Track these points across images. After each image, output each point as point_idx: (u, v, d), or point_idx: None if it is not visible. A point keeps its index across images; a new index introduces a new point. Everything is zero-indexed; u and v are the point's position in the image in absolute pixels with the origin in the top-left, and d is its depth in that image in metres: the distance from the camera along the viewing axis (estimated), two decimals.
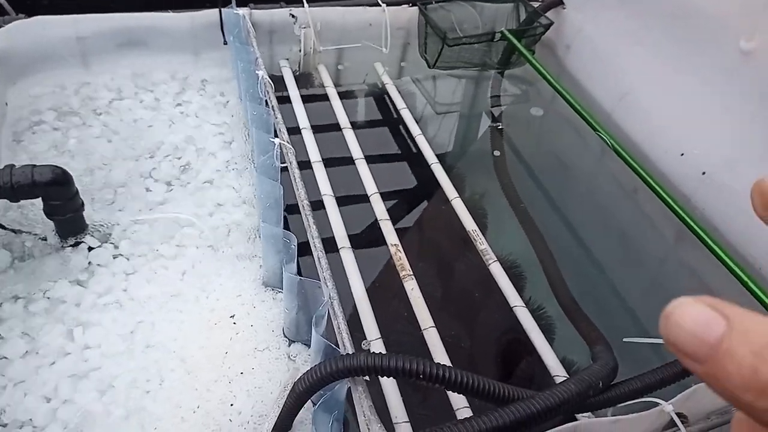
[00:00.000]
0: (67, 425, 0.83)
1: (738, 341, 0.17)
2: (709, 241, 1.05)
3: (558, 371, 0.93)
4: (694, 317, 0.18)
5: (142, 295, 1.01)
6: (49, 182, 0.97)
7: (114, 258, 1.06)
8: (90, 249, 1.07)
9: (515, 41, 1.54)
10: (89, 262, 1.05)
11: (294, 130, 1.27)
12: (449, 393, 0.86)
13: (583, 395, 0.70)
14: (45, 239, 1.06)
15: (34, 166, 0.97)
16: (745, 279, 0.98)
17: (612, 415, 0.73)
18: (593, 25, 1.58)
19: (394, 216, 1.20)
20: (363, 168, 1.27)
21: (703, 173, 1.21)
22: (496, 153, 1.49)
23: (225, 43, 1.51)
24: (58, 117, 1.32)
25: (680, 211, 1.11)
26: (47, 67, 1.39)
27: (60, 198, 1.01)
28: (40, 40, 1.36)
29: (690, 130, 1.27)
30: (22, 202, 1.06)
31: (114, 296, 1.00)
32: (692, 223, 1.08)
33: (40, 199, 1.00)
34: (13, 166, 0.97)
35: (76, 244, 1.06)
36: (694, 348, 0.18)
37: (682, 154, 1.27)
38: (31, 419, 0.83)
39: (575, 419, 0.77)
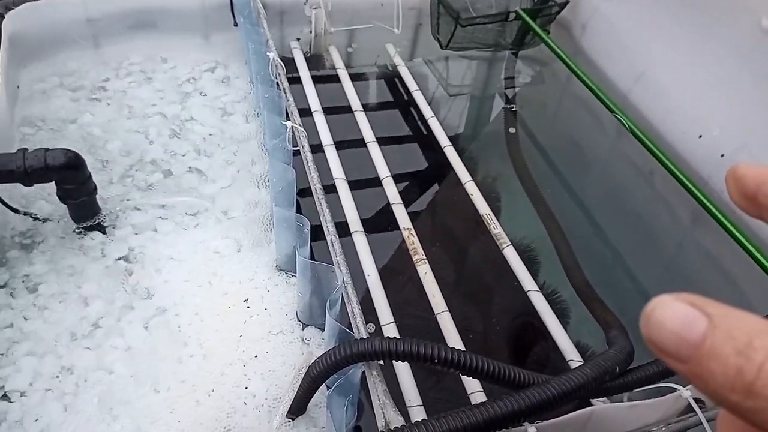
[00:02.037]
0: (87, 407, 0.84)
1: (721, 340, 0.17)
2: (728, 224, 1.03)
3: (573, 356, 0.92)
4: (675, 315, 0.18)
5: (156, 279, 1.01)
6: (62, 166, 0.97)
7: (127, 242, 1.06)
8: (103, 233, 1.07)
9: (530, 21, 1.51)
10: (102, 247, 1.05)
11: (305, 113, 1.26)
12: (463, 377, 0.85)
13: (599, 380, 0.69)
14: (59, 222, 1.07)
15: (47, 149, 0.97)
16: (764, 261, 0.97)
17: (628, 401, 0.73)
18: (609, 4, 1.55)
19: (407, 199, 1.19)
20: (375, 151, 1.26)
21: (722, 155, 1.19)
22: (512, 130, 1.47)
23: (235, 24, 1.50)
24: (70, 99, 1.32)
25: (698, 194, 1.09)
26: (58, 50, 1.39)
27: (73, 182, 1.01)
28: (50, 22, 1.35)
29: (708, 111, 1.25)
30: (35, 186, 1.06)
31: (128, 280, 1.00)
32: (710, 206, 1.07)
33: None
34: (26, 149, 0.96)
35: (90, 228, 1.07)
36: (676, 347, 0.17)
37: (701, 136, 1.24)
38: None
39: (591, 404, 0.76)
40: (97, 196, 1.07)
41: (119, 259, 1.03)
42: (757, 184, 0.21)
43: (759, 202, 0.21)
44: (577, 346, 0.93)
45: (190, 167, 1.22)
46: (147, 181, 1.18)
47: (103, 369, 0.88)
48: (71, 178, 1.00)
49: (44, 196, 1.10)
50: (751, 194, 0.21)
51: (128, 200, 1.13)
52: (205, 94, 1.40)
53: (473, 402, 0.82)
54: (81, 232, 1.06)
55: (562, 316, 0.98)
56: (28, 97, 1.30)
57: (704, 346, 0.17)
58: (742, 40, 1.20)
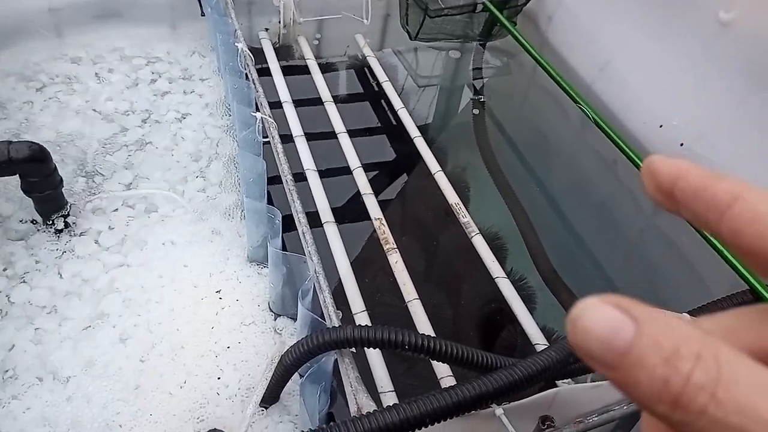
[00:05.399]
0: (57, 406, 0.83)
1: (648, 348, 0.16)
2: None
3: (539, 339, 0.95)
4: (601, 320, 0.17)
5: (126, 273, 1.00)
6: (27, 159, 0.95)
7: (95, 236, 1.05)
8: (70, 227, 1.05)
9: (497, 12, 1.53)
10: (68, 241, 1.04)
11: (275, 104, 1.26)
12: (433, 362, 0.87)
13: (563, 362, 0.72)
14: (23, 221, 1.05)
15: (10, 142, 0.95)
16: (720, 248, 1.01)
17: (591, 381, 0.76)
18: None
19: (378, 190, 1.20)
20: (345, 141, 1.27)
21: (681, 144, 1.23)
22: (475, 111, 1.50)
23: (203, 14, 1.48)
24: (32, 91, 1.29)
25: None
26: (19, 40, 1.36)
27: (38, 175, 0.99)
28: (11, 11, 1.32)
29: (669, 101, 1.28)
30: None
31: (96, 275, 1.00)
32: None
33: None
34: None
35: (56, 222, 1.05)
36: (602, 355, 0.16)
37: (661, 126, 1.28)
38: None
39: (556, 385, 0.79)
40: (63, 189, 1.06)
41: (87, 252, 1.02)
42: (672, 178, 0.20)
43: (675, 197, 0.20)
44: (543, 330, 0.96)
45: (157, 159, 1.21)
46: (113, 173, 1.16)
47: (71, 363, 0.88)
48: (36, 171, 0.98)
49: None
50: (667, 189, 0.20)
51: (95, 193, 1.12)
52: (172, 85, 1.38)
53: (443, 386, 0.84)
54: (47, 225, 1.05)
55: (528, 301, 1.01)
56: None
57: (631, 354, 0.16)
58: (701, 32, 1.24)
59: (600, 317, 0.17)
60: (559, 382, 0.82)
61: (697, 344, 0.16)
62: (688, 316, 0.79)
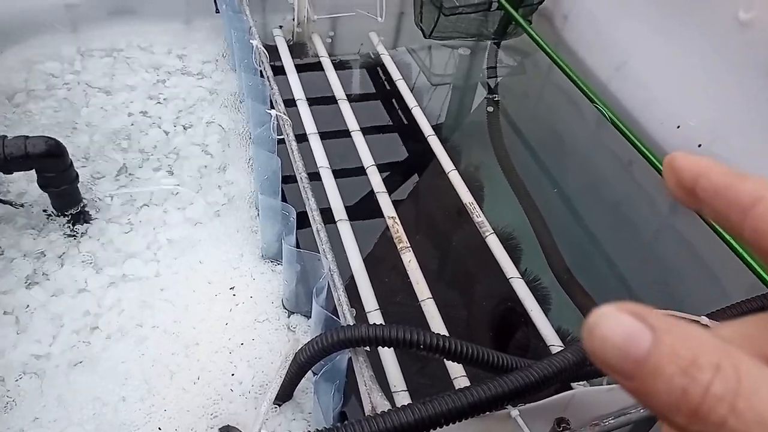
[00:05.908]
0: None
1: (665, 357, 0.16)
2: None
3: (554, 341, 0.94)
4: (618, 329, 0.16)
5: (141, 269, 1.01)
6: (43, 154, 0.96)
7: (111, 232, 1.06)
8: (85, 222, 1.06)
9: (512, 11, 1.52)
10: (85, 236, 1.04)
11: (289, 101, 1.26)
12: (447, 362, 0.87)
13: (579, 364, 0.71)
14: (45, 212, 1.06)
15: (27, 137, 0.96)
16: (739, 249, 0.99)
17: (607, 384, 0.75)
18: None
19: (391, 188, 1.19)
20: (359, 140, 1.27)
21: (699, 146, 1.22)
22: (489, 109, 1.49)
23: (217, 11, 1.48)
24: (48, 87, 1.30)
25: None
26: (36, 36, 1.37)
27: (54, 170, 1.00)
28: (27, 7, 1.33)
29: (686, 101, 1.27)
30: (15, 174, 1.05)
31: (112, 270, 1.00)
32: None
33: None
34: (5, 137, 0.95)
35: (72, 217, 1.06)
36: (620, 363, 0.16)
37: (678, 126, 1.27)
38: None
39: (571, 388, 0.78)
40: (79, 184, 1.06)
41: (101, 247, 1.03)
42: (694, 175, 0.20)
43: (696, 194, 0.20)
44: (558, 331, 0.95)
45: (172, 155, 1.21)
46: (129, 168, 1.17)
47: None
48: (52, 167, 0.99)
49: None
50: (689, 186, 0.20)
51: (110, 188, 1.12)
52: (189, 82, 1.38)
53: (457, 386, 0.83)
54: (62, 220, 1.05)
55: (543, 302, 1.00)
56: (6, 84, 1.28)
57: (648, 363, 0.16)
58: (720, 32, 1.22)
59: (617, 325, 0.16)
60: (574, 384, 0.81)
61: (717, 354, 0.16)
62: (706, 318, 0.78)
